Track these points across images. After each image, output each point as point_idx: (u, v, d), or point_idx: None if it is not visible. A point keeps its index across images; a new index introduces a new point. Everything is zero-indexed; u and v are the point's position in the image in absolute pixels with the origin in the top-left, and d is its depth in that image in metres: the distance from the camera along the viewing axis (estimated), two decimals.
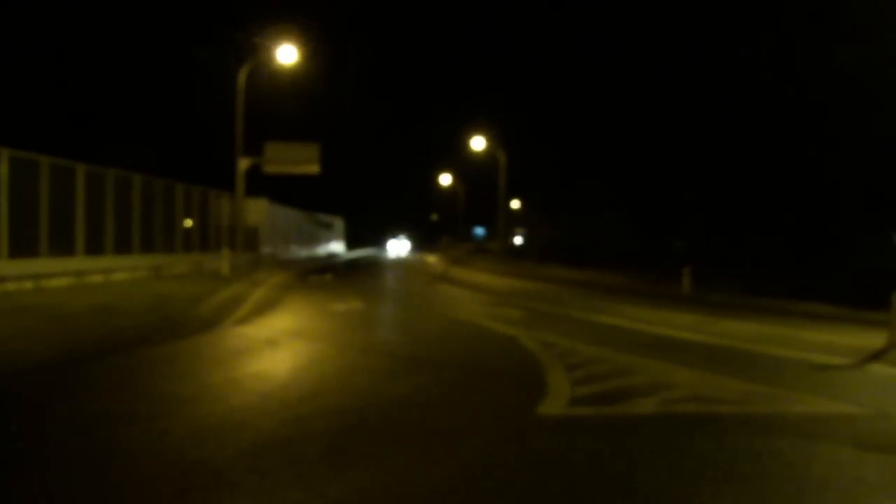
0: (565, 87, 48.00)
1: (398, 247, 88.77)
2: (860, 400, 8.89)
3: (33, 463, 6.04)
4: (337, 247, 73.03)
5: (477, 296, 23.48)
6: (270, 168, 31.45)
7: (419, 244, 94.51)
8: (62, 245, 20.50)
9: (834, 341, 13.55)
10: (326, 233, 68.14)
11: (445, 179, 69.21)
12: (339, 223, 76.78)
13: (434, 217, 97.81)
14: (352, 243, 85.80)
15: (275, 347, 12.40)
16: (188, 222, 29.74)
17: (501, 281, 30.93)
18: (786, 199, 25.68)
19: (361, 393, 8.86)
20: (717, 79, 30.16)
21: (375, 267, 44.69)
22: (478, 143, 48.21)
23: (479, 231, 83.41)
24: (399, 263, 45.80)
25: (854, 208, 22.05)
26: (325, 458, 6.23)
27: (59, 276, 19.91)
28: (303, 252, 53.88)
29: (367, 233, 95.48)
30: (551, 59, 53.66)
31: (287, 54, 30.07)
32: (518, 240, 65.19)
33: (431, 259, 55.07)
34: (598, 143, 41.16)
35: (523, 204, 58.34)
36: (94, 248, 22.19)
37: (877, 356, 11.91)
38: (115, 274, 22.77)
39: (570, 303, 20.97)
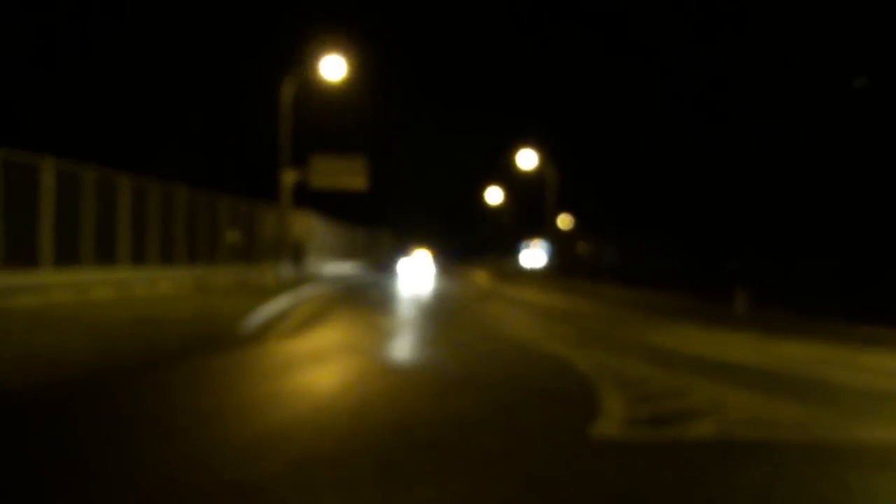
0: (615, 103, 47.53)
1: (415, 268, 57.60)
2: None
3: (72, 475, 5.92)
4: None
5: (526, 313, 23.26)
6: (316, 181, 31.47)
7: (458, 260, 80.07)
8: (106, 255, 20.69)
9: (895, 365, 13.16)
10: (374, 247, 68.05)
11: (493, 195, 68.80)
12: (386, 237, 76.64)
13: (483, 233, 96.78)
14: (399, 258, 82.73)
15: (321, 362, 12.29)
16: (233, 235, 29.81)
17: (551, 298, 30.64)
18: (842, 220, 25.19)
19: (411, 411, 8.68)
20: (766, 96, 29.74)
21: (424, 282, 44.39)
22: (526, 160, 47.92)
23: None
24: (443, 282, 45.14)
25: None
26: (376, 476, 6.07)
27: (102, 285, 20.06)
28: (349, 266, 53.79)
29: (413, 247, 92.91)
30: (600, 76, 53.17)
31: (334, 67, 30.12)
32: (535, 254, 63.34)
33: (479, 276, 54.75)
34: (648, 161, 40.77)
35: (575, 221, 57.80)
36: (138, 258, 22.39)
37: None
38: (159, 285, 22.90)
39: (622, 322, 20.69)
